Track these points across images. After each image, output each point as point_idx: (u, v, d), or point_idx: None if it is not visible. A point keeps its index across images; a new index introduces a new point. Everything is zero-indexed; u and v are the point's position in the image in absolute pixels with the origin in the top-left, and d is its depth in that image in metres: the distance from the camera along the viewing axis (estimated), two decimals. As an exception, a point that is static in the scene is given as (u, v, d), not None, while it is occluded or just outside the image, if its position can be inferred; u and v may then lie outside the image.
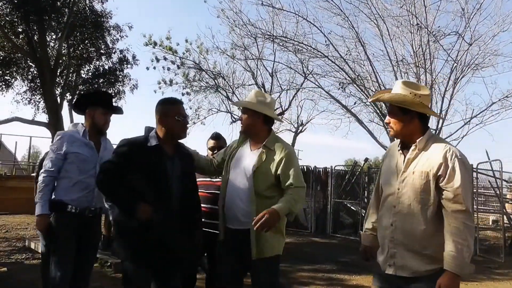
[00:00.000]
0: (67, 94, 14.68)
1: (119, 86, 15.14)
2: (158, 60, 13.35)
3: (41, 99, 14.53)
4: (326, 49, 11.29)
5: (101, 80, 14.73)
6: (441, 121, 10.49)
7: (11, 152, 25.44)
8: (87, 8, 14.42)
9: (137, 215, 2.50)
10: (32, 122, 14.17)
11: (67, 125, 11.60)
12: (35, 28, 12.97)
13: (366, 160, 13.48)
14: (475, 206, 9.80)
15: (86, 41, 14.74)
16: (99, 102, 3.35)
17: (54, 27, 13.74)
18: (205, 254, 3.71)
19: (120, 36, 15.26)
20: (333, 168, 12.02)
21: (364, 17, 11.09)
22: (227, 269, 2.84)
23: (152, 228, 2.53)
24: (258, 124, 2.89)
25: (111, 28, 15.02)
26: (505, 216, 10.03)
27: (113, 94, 14.38)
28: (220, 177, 3.31)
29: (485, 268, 7.78)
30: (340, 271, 6.54)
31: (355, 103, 11.97)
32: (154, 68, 13.64)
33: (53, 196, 3.20)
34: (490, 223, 13.84)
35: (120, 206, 2.71)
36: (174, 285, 2.75)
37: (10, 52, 13.72)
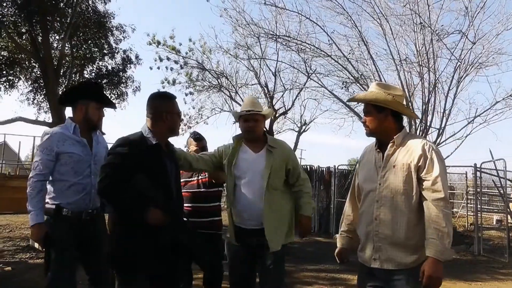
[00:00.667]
0: (70, 94, 14.68)
1: (122, 87, 15.16)
2: (161, 60, 13.41)
3: (44, 99, 14.57)
4: (329, 49, 11.25)
5: (105, 80, 14.74)
6: (444, 120, 10.45)
7: (14, 152, 25.51)
8: (90, 9, 14.43)
9: (148, 221, 2.36)
10: (36, 122, 14.20)
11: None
12: (38, 28, 12.99)
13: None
14: (478, 206, 9.79)
15: (89, 41, 14.76)
16: (92, 95, 3.05)
17: (57, 28, 13.77)
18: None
19: (123, 36, 15.28)
20: (336, 167, 12.01)
21: (367, 16, 11.03)
22: (242, 272, 3.00)
23: (163, 230, 2.42)
24: (263, 127, 3.13)
25: (114, 29, 15.04)
26: (509, 216, 9.99)
27: (116, 96, 14.40)
28: (199, 176, 3.75)
29: (489, 268, 7.76)
30: (344, 271, 6.53)
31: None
32: (158, 68, 13.72)
33: (46, 201, 2.91)
34: (494, 223, 13.78)
35: (128, 213, 2.48)
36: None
37: (14, 52, 13.75)
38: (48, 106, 14.10)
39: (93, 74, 15.31)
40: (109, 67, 15.10)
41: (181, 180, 3.29)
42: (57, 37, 14.45)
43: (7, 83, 14.02)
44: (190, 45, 13.51)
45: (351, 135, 24.09)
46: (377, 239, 2.34)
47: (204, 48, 13.41)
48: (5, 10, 12.68)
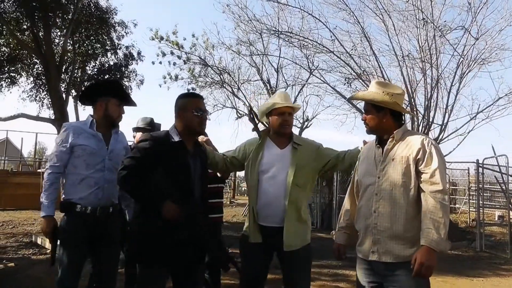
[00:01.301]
0: (72, 91, 14.72)
1: (125, 81, 15.17)
2: (164, 55, 13.39)
3: (46, 95, 14.60)
4: (331, 45, 11.24)
5: (107, 76, 14.75)
6: (447, 115, 10.44)
7: (17, 148, 25.64)
8: (92, 5, 14.43)
9: (163, 214, 2.37)
10: (38, 118, 14.23)
11: (72, 121, 11.66)
12: (40, 24, 13.00)
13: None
14: (480, 202, 9.77)
15: (92, 37, 14.78)
16: (113, 93, 3.07)
17: (59, 24, 13.77)
18: None
19: (125, 32, 15.29)
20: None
21: (370, 12, 11.02)
22: (255, 270, 2.93)
23: (181, 226, 2.43)
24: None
25: (116, 24, 15.05)
26: (511, 212, 9.98)
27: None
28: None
29: (491, 264, 7.77)
30: (346, 267, 6.53)
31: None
32: (160, 63, 13.71)
33: (62, 196, 2.95)
34: (496, 219, 13.77)
35: (143, 204, 2.53)
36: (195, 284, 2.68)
37: (16, 48, 13.78)
38: (50, 102, 14.14)
39: (96, 70, 15.33)
40: (111, 63, 15.13)
41: None
42: (59, 33, 14.48)
43: (9, 80, 14.04)
44: (193, 41, 13.51)
45: (353, 131, 24.05)
46: (375, 232, 2.36)
47: (206, 44, 13.42)
48: (7, 6, 12.68)
